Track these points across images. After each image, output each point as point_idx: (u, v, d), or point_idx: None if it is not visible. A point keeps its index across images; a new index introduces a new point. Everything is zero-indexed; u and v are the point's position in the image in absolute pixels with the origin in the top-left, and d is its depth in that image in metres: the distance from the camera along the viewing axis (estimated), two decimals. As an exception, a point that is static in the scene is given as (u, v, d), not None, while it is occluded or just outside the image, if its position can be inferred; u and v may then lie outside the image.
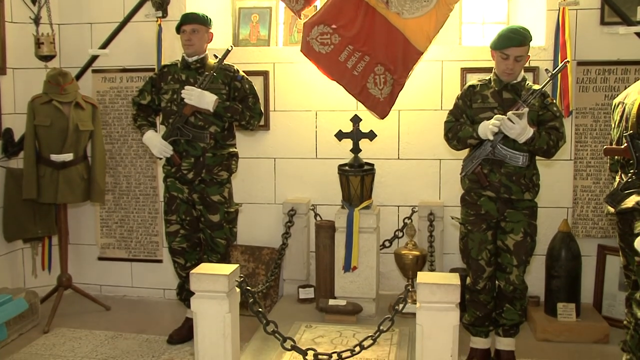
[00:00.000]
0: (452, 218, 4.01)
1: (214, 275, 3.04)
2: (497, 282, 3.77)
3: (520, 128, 3.43)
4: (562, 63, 3.59)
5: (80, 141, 4.68)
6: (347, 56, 4.40)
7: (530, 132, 3.46)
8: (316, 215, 4.91)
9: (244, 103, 4.12)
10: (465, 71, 4.70)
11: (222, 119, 4.08)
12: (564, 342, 4.26)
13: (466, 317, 3.85)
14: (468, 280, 3.79)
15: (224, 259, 4.20)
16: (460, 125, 3.68)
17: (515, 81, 3.62)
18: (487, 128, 3.53)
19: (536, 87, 3.58)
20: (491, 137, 3.51)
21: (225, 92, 4.08)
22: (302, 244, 4.86)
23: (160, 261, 5.23)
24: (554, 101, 3.65)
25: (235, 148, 4.25)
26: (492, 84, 3.67)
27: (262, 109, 4.42)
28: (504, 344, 3.84)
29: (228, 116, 4.06)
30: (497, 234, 3.71)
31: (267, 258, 4.88)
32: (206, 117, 4.05)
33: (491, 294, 3.78)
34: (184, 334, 4.32)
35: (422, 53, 4.38)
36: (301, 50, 4.45)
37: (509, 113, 3.46)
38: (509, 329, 3.80)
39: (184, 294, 4.30)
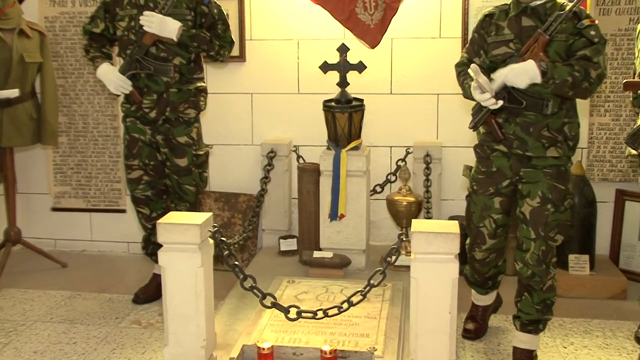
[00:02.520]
0: (466, 169, 3.71)
1: (184, 225, 3.04)
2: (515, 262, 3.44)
3: (522, 70, 3.02)
4: None
5: (27, 75, 4.61)
6: (332, -24, 4.34)
7: (532, 67, 3.01)
8: (299, 157, 4.92)
9: (212, 31, 4.05)
10: (469, -7, 4.65)
11: (188, 50, 4.02)
12: (576, 297, 4.33)
13: (467, 270, 3.79)
14: (468, 240, 3.65)
15: (194, 207, 4.21)
16: (464, 79, 3.36)
17: (538, 2, 3.20)
18: (477, 93, 3.18)
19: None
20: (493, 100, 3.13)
21: (190, 18, 4.00)
22: (283, 189, 4.88)
23: (123, 211, 5.24)
24: (595, 22, 3.12)
25: (204, 82, 4.21)
26: (511, 9, 3.29)
27: (236, 38, 4.37)
28: (520, 340, 3.49)
29: (194, 46, 3.99)
30: (517, 201, 3.40)
31: (243, 206, 4.90)
32: (169, 47, 3.98)
33: (491, 265, 3.62)
34: (151, 292, 4.37)
35: (419, -29, 4.33)
36: (280, -31, 4.38)
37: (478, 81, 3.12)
38: (527, 324, 3.46)
39: (150, 247, 4.32)
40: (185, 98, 4.08)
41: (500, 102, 3.10)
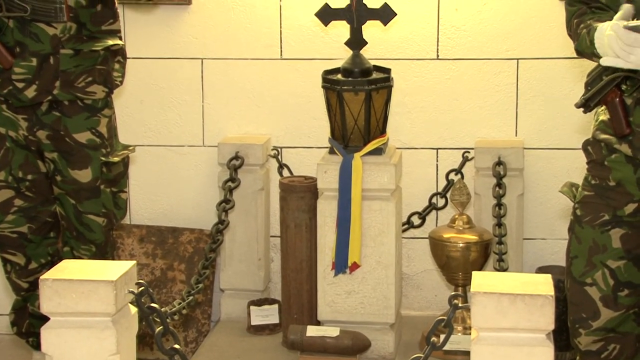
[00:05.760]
0: (569, 189, 3.59)
1: (88, 283, 2.98)
2: None
3: None
4: None
5: None
6: None
7: None
8: (282, 166, 4.98)
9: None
10: None
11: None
12: None
13: None
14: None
15: (104, 252, 4.19)
16: (581, 22, 3.22)
17: None
18: (605, 41, 2.95)
19: None
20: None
21: None
22: (255, 221, 4.93)
23: (-20, 261, 5.23)
24: None
25: (120, 40, 4.19)
26: None
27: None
28: None
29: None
30: None
31: (189, 249, 4.95)
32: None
33: None
34: (27, 400, 4.36)
35: None
36: None
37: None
38: None
39: (27, 322, 4.30)
40: (88, 66, 4.04)
41: None
